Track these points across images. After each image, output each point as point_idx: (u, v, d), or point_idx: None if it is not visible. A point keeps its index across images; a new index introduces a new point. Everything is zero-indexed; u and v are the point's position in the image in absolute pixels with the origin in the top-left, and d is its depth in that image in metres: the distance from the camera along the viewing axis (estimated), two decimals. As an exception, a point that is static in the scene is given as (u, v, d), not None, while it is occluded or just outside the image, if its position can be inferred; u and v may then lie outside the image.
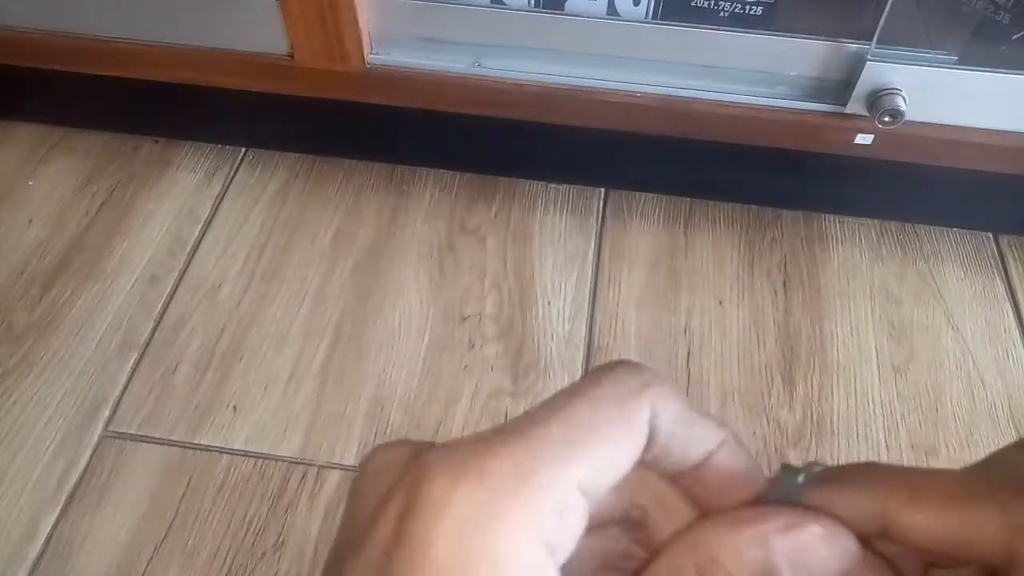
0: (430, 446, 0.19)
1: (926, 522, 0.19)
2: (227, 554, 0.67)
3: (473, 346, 0.79)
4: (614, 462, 0.19)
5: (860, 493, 0.20)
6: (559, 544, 0.18)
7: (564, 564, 0.18)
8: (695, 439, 0.21)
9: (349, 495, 0.21)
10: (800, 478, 0.21)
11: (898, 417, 0.75)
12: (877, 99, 0.72)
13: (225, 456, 0.72)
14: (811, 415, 0.75)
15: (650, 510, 0.22)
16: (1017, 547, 0.18)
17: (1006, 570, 0.18)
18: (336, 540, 0.20)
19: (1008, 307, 0.83)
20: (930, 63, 0.71)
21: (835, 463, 0.74)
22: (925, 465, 0.72)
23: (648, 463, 0.21)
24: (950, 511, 0.19)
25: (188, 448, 0.72)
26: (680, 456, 0.21)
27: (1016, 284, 0.85)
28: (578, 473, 0.18)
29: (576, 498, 0.18)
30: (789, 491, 0.21)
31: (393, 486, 0.18)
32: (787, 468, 0.21)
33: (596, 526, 0.21)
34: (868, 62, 0.70)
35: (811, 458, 0.72)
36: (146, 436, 0.73)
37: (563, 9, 0.74)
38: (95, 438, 0.73)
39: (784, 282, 0.85)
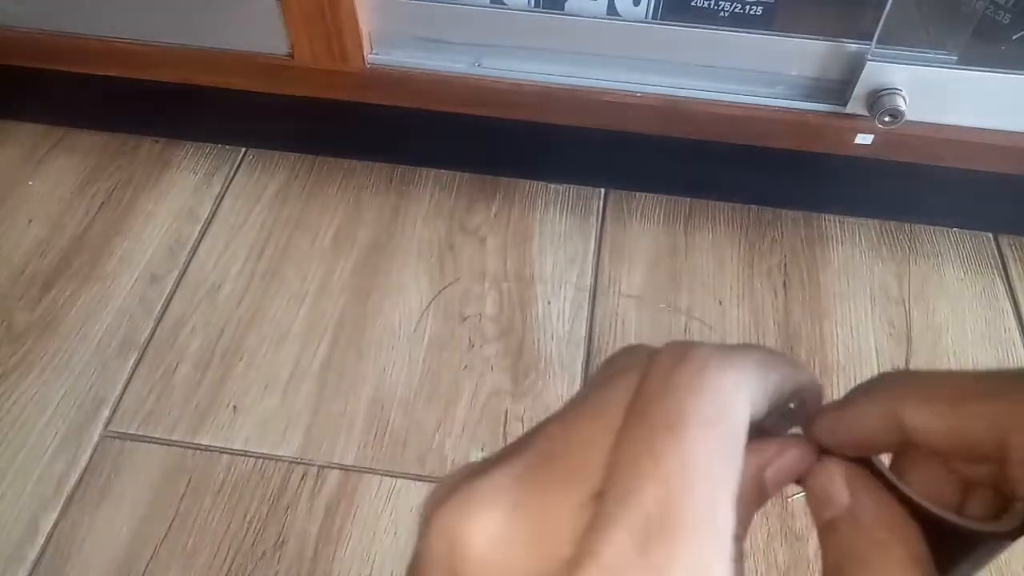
0: (578, 552, 0.17)
1: (929, 421, 0.20)
2: (227, 554, 0.67)
3: (473, 346, 0.79)
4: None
5: (875, 403, 0.22)
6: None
7: None
8: (772, 395, 0.21)
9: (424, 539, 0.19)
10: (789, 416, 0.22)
11: (898, 417, 0.75)
12: (877, 99, 0.72)
13: (225, 456, 0.72)
14: (811, 415, 0.75)
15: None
16: (1006, 439, 0.18)
17: (1001, 463, 0.19)
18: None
19: (1008, 307, 0.83)
20: (930, 63, 0.71)
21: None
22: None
23: None
24: (950, 410, 0.20)
25: (188, 448, 0.72)
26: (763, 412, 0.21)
27: (1016, 284, 0.85)
28: (731, 529, 0.17)
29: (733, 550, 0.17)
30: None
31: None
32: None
33: None
34: (868, 62, 0.70)
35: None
36: (146, 436, 0.73)
37: (563, 9, 0.74)
38: (95, 438, 0.73)
39: (784, 282, 0.85)
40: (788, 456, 0.21)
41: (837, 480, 0.21)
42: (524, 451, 0.19)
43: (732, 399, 0.18)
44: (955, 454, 0.20)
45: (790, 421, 0.22)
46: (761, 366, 0.20)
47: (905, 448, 0.21)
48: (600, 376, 0.20)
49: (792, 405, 0.22)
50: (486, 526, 0.17)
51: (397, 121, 0.86)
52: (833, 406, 0.23)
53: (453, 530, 0.18)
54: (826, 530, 0.21)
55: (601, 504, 0.17)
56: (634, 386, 0.19)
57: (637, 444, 0.18)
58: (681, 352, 0.19)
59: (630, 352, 0.21)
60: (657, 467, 0.17)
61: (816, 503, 0.21)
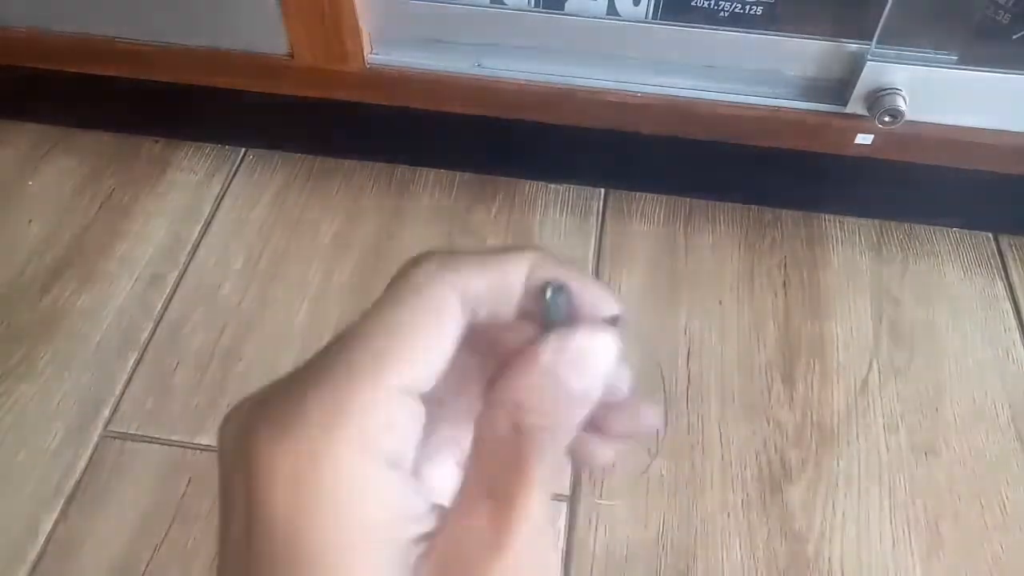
0: (259, 403, 0.20)
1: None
2: (227, 554, 0.67)
3: (473, 346, 0.79)
4: (431, 351, 0.20)
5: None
6: (401, 449, 0.19)
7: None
8: (512, 284, 0.22)
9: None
10: (548, 294, 0.22)
11: (898, 417, 0.75)
12: (877, 99, 0.72)
13: (225, 456, 0.72)
14: (811, 415, 0.75)
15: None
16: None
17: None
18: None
19: (1008, 307, 0.83)
20: (930, 63, 0.71)
21: (836, 464, 0.74)
22: (925, 464, 0.72)
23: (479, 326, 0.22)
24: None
25: (188, 448, 0.72)
26: (509, 302, 0.22)
27: (1016, 284, 0.85)
28: (397, 382, 0.19)
29: (402, 403, 0.19)
30: (553, 310, 0.22)
31: (234, 460, 0.19)
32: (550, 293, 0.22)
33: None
34: (868, 62, 0.70)
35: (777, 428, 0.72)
36: (146, 436, 0.73)
37: (563, 9, 0.74)
38: (95, 438, 0.73)
39: (784, 282, 0.85)
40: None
41: None
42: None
43: (427, 280, 0.21)
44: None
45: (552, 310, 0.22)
46: (480, 265, 0.21)
47: None
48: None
49: (547, 295, 0.22)
50: (223, 431, 0.21)
51: (397, 121, 0.86)
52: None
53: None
54: None
55: None
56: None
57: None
58: (410, 261, 0.22)
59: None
60: (337, 338, 0.20)
61: None
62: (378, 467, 0.18)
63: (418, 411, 0.20)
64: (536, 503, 0.20)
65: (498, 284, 0.21)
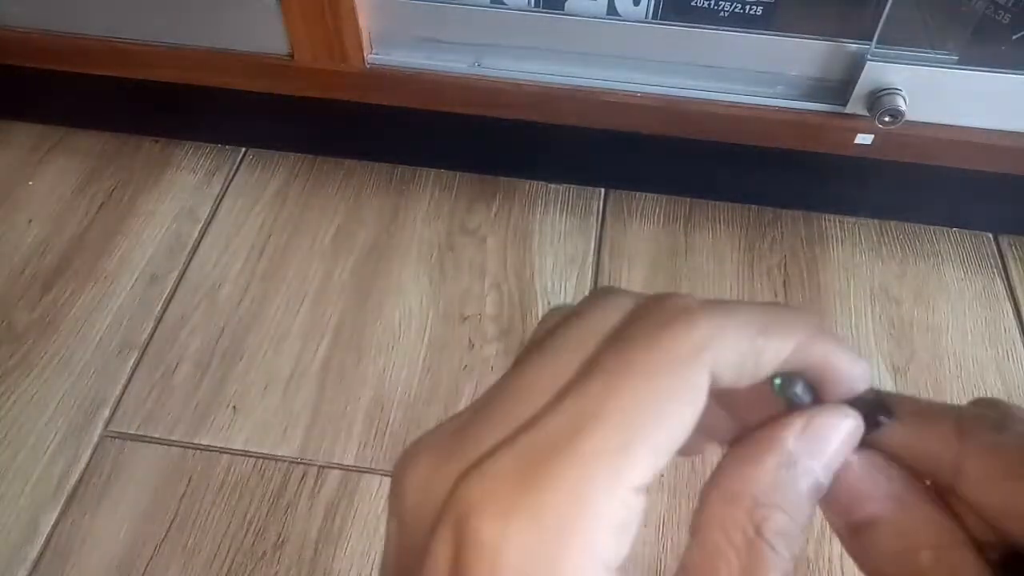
0: (466, 469, 0.17)
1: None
2: (227, 554, 0.67)
3: (473, 346, 0.79)
4: (674, 439, 0.18)
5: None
6: (625, 549, 0.17)
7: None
8: (765, 363, 0.19)
9: (390, 517, 0.20)
10: (776, 383, 0.20)
11: (898, 417, 0.75)
12: (877, 99, 0.72)
13: (225, 456, 0.72)
14: (811, 415, 0.75)
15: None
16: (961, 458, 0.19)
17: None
18: (384, 570, 0.19)
19: (1008, 307, 0.83)
20: (930, 63, 0.71)
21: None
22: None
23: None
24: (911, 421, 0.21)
25: (188, 448, 0.72)
26: (751, 380, 0.19)
27: (1016, 284, 0.85)
28: (635, 477, 0.17)
29: (636, 502, 0.17)
30: (795, 399, 0.20)
31: (437, 523, 0.17)
32: (780, 382, 0.20)
33: None
34: (868, 62, 0.70)
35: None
36: (146, 436, 0.73)
37: (563, 9, 0.74)
38: (95, 438, 0.73)
39: (784, 282, 0.85)
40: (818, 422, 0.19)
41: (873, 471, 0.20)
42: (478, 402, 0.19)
43: (689, 355, 0.18)
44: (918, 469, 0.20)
45: (792, 398, 0.20)
46: (749, 327, 0.18)
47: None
48: (580, 311, 0.20)
49: (795, 388, 0.20)
50: (412, 472, 0.19)
51: (397, 121, 0.86)
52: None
53: (394, 476, 0.19)
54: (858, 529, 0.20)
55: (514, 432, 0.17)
56: (602, 333, 0.19)
57: (570, 391, 0.18)
58: (660, 302, 0.19)
59: (612, 295, 0.20)
60: (575, 405, 0.17)
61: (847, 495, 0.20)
62: (604, 572, 0.17)
63: (644, 507, 0.17)
64: None
65: (753, 363, 0.19)
